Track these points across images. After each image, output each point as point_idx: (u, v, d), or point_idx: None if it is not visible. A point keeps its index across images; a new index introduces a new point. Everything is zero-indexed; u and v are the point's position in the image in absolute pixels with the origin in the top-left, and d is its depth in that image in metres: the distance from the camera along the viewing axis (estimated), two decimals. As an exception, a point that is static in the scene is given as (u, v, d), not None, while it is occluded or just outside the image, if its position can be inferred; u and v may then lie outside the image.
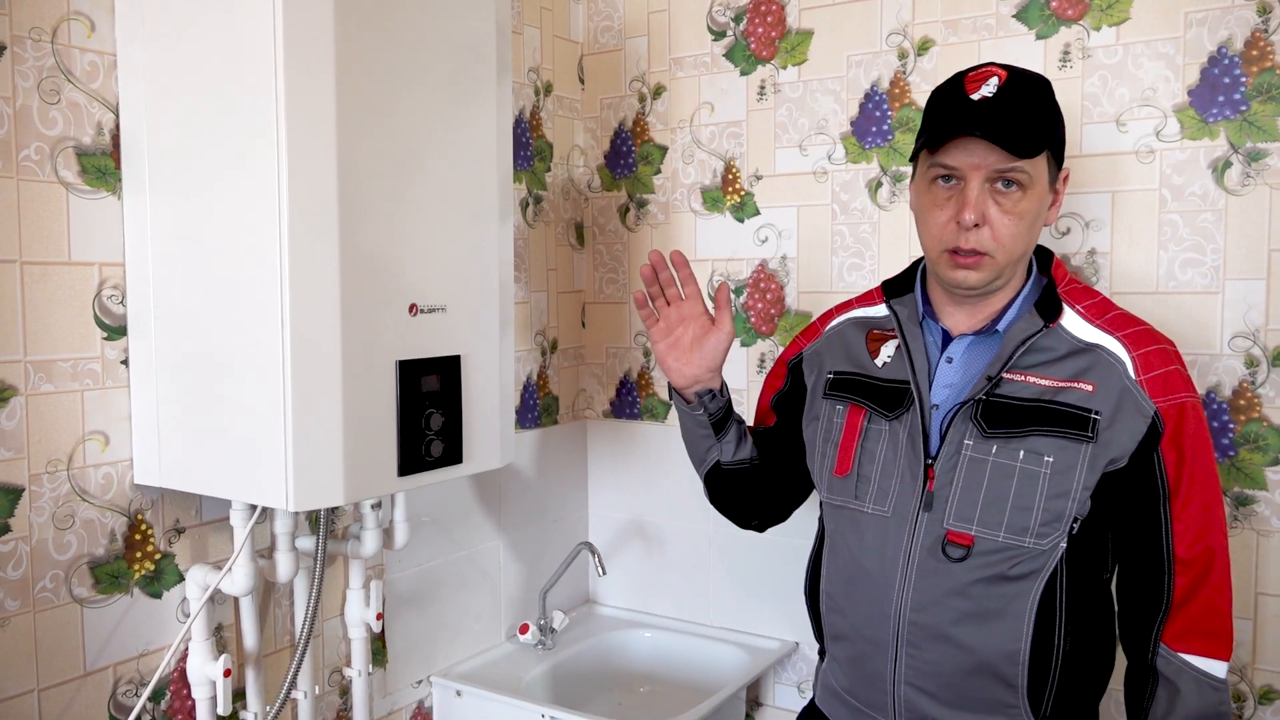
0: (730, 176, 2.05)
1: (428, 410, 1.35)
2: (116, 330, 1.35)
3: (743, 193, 2.04)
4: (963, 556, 1.17)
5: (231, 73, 1.22)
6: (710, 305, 1.72)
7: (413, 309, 1.33)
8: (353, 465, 1.26)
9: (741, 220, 2.04)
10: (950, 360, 1.25)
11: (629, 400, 2.22)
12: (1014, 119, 1.14)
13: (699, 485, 1.51)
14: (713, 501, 1.49)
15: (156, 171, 1.32)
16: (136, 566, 1.39)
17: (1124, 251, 1.67)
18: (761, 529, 1.52)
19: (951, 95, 1.19)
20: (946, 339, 1.26)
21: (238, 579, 1.38)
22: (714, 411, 1.39)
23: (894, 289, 1.34)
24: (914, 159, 1.26)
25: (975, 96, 1.16)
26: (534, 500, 2.12)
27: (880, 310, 1.35)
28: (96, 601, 1.35)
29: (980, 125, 1.13)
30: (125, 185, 1.35)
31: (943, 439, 1.20)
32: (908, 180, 1.86)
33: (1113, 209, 1.68)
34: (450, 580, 1.92)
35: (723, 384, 1.41)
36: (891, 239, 1.89)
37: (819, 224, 1.96)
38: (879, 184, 1.89)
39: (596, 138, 2.22)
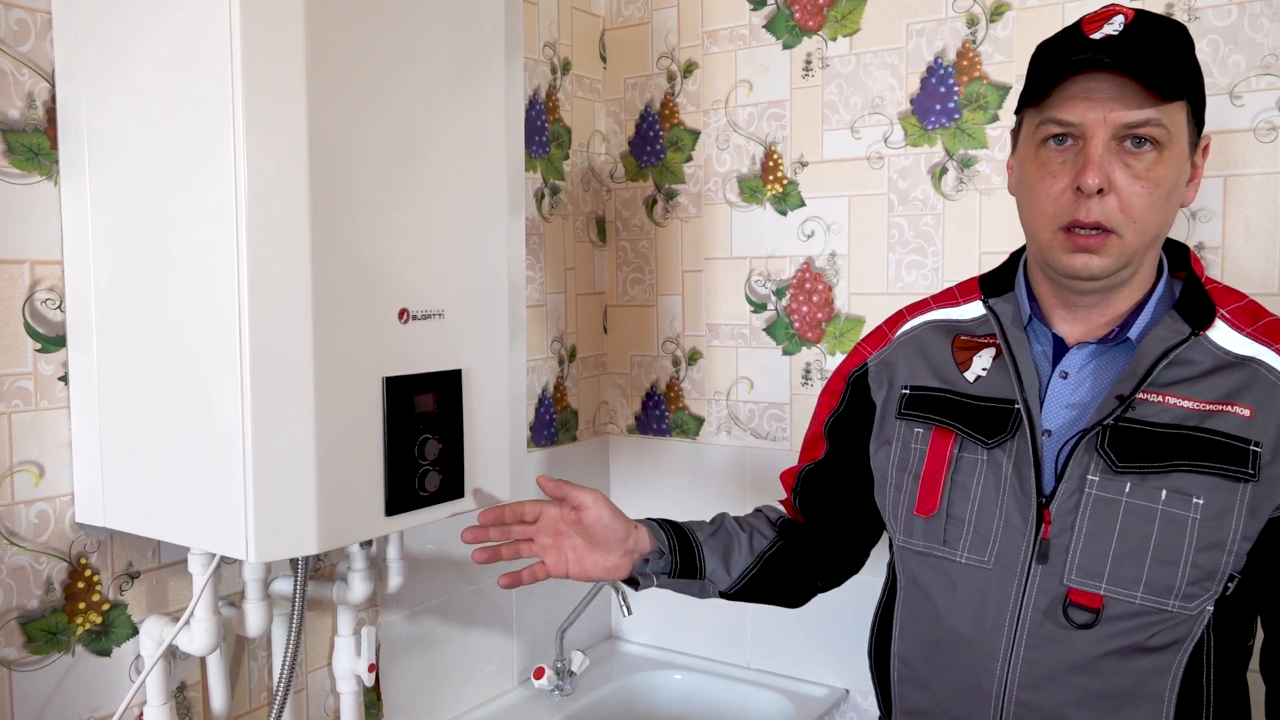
0: (771, 164, 1.82)
1: (422, 436, 1.13)
2: (53, 341, 1.14)
3: (785, 182, 1.81)
4: (1089, 622, 0.94)
5: (186, 37, 1.00)
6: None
7: (403, 315, 1.10)
8: (329, 505, 1.04)
9: (784, 213, 1.81)
10: (1065, 375, 1.01)
11: (656, 414, 1.99)
12: (1148, 53, 0.90)
13: (736, 510, 1.28)
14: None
15: (99, 152, 1.10)
16: (79, 620, 1.17)
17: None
18: (831, 587, 1.28)
19: (1065, 39, 0.95)
20: (1059, 349, 1.03)
21: (198, 636, 1.16)
22: (664, 568, 1.17)
23: (991, 286, 1.10)
24: (1015, 132, 1.03)
25: (1097, 36, 0.92)
26: (550, 527, 1.89)
27: (970, 311, 1.11)
28: (28, 663, 1.13)
29: (1107, 56, 0.90)
30: (63, 168, 1.13)
31: (1060, 474, 0.97)
32: (975, 166, 1.62)
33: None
34: (456, 620, 1.70)
35: (656, 529, 1.18)
36: (958, 233, 1.65)
37: (873, 216, 1.72)
38: (943, 170, 1.66)
39: (620, 122, 2.00)
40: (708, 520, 1.24)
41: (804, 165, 1.79)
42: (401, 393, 1.10)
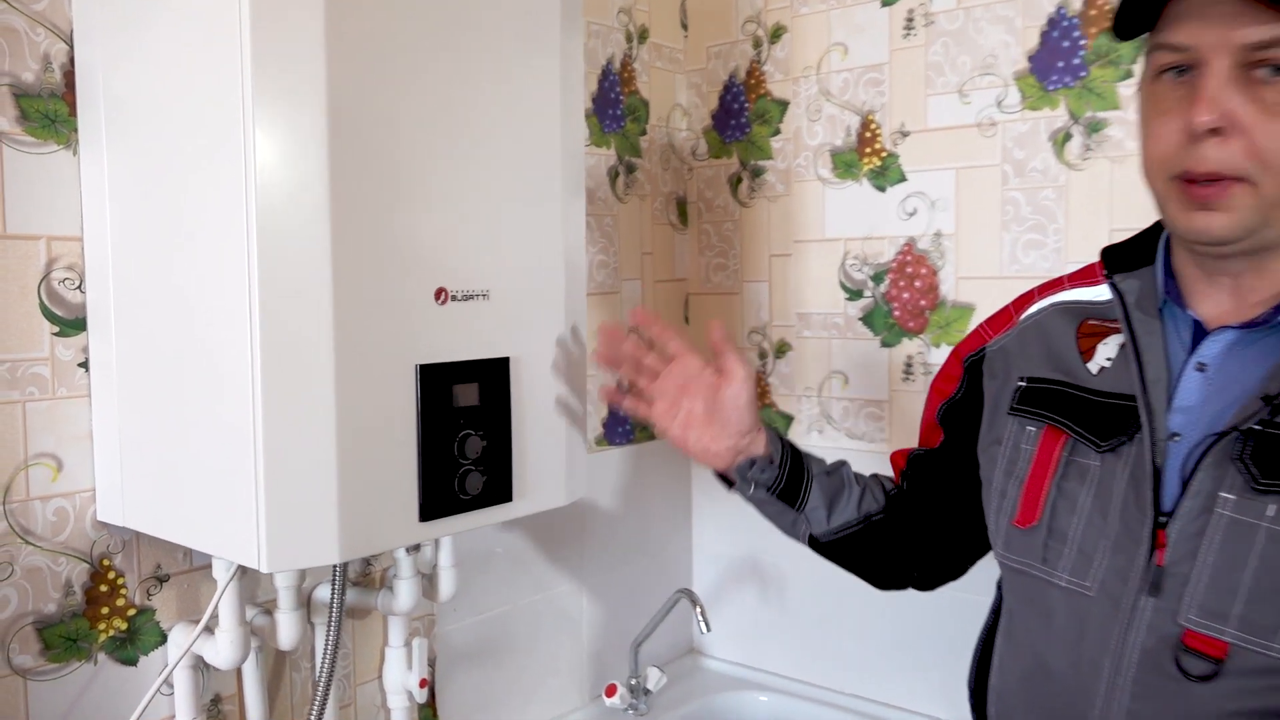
0: (868, 135, 1.64)
1: (462, 432, 1.00)
2: (72, 324, 1.05)
3: (884, 154, 1.63)
4: (1209, 674, 0.74)
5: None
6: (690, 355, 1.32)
7: (440, 295, 0.98)
8: (354, 509, 0.92)
9: (883, 189, 1.63)
10: (1202, 367, 0.81)
11: (741, 411, 1.83)
12: None
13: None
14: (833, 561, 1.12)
15: (116, 120, 1.01)
16: (102, 626, 1.09)
17: None
18: (925, 587, 1.12)
19: None
20: (1199, 334, 0.83)
21: (223, 648, 1.06)
22: (767, 481, 1.05)
23: (1121, 259, 0.91)
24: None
25: None
26: (626, 532, 1.75)
27: (1103, 291, 0.93)
28: (46, 672, 1.04)
29: None
30: (83, 137, 1.04)
31: (1185, 487, 0.78)
32: (1104, 130, 1.42)
33: None
34: (521, 630, 1.57)
35: (775, 439, 1.07)
36: (1084, 206, 1.44)
37: (985, 190, 1.53)
38: (1067, 136, 1.45)
39: (702, 94, 1.84)
40: (825, 460, 1.12)
41: (905, 135, 1.60)
42: (438, 382, 0.98)
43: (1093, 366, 0.89)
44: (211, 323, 0.91)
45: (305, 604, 1.21)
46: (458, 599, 1.44)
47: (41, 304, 1.03)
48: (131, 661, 1.11)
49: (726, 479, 1.09)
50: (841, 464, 1.11)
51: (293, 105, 0.87)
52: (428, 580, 1.28)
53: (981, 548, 1.07)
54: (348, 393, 0.91)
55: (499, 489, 1.04)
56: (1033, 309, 0.97)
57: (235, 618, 1.06)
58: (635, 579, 1.78)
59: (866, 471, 1.12)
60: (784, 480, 1.05)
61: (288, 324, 0.88)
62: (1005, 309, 1.02)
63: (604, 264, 1.69)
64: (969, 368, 1.02)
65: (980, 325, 1.03)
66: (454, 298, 0.99)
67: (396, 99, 0.93)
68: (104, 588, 1.08)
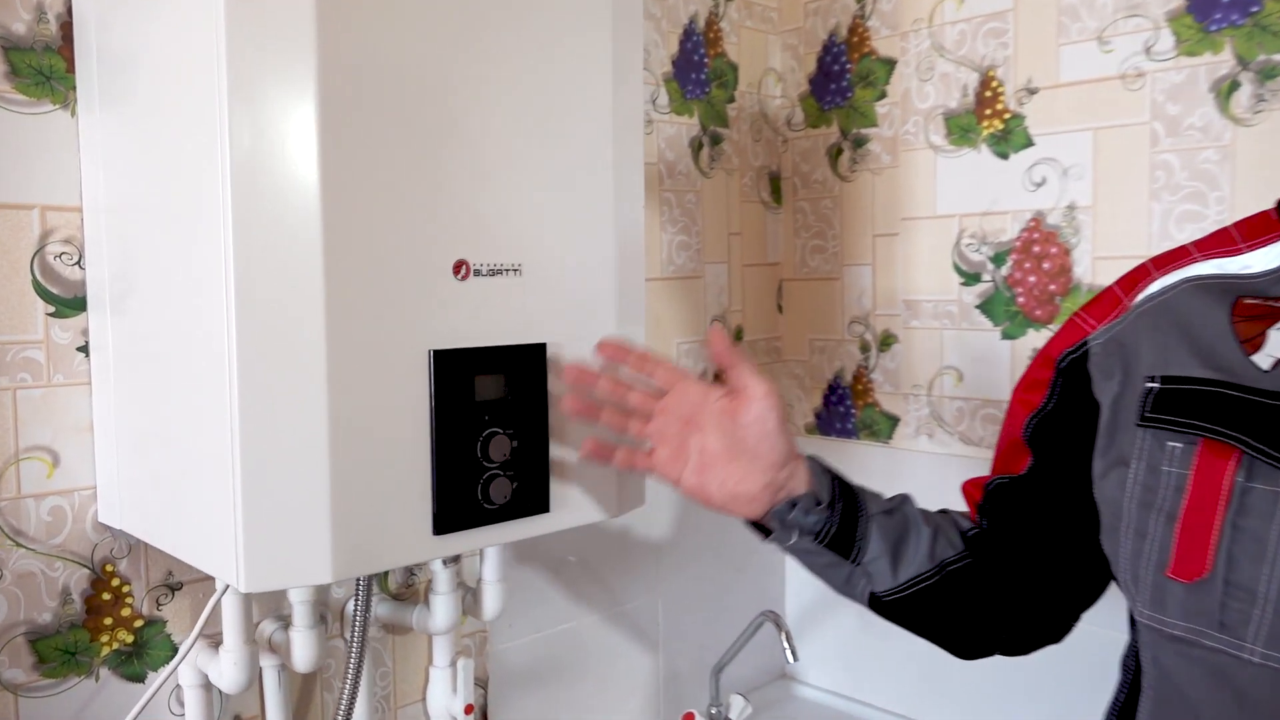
0: (989, 94, 1.42)
1: (487, 430, 0.85)
2: (69, 303, 0.95)
3: (1008, 116, 1.41)
4: None
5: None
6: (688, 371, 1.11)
7: (460, 269, 0.83)
8: (350, 521, 0.78)
9: (1005, 156, 1.41)
10: None
11: (841, 411, 1.64)
12: None
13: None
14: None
15: (109, 75, 0.90)
16: (105, 638, 0.98)
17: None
18: (1016, 651, 0.89)
19: None
20: None
21: (226, 669, 0.94)
22: (814, 527, 0.83)
23: None
24: None
25: None
26: (708, 541, 1.58)
27: (1259, 260, 0.70)
28: (40, 688, 0.95)
29: None
30: (81, 95, 0.94)
31: None
32: (1287, 74, 1.17)
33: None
34: (587, 650, 1.42)
35: (820, 472, 0.85)
36: (1254, 170, 1.20)
37: (1130, 153, 1.30)
38: (1233, 85, 1.21)
39: (798, 56, 1.65)
40: (883, 495, 0.89)
41: (1033, 93, 1.38)
42: (457, 371, 0.83)
43: (1261, 360, 0.67)
44: (189, 301, 0.79)
45: (337, 617, 1.08)
46: (514, 613, 1.30)
47: (35, 281, 0.93)
48: (138, 678, 1.01)
49: (762, 528, 0.87)
50: (904, 500, 0.88)
51: (276, 37, 0.74)
52: (472, 595, 1.14)
53: (1089, 599, 0.86)
54: (343, 383, 0.77)
55: (532, 498, 0.89)
56: (1153, 288, 0.75)
57: (240, 635, 0.93)
58: (718, 594, 1.60)
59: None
60: (835, 525, 0.83)
61: (268, 298, 0.74)
62: (1108, 291, 0.79)
63: (684, 245, 1.52)
64: (1065, 369, 0.79)
65: (1076, 315, 0.80)
66: (477, 272, 0.84)
67: (405, 40, 0.79)
68: (107, 596, 0.98)
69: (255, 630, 1.06)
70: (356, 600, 1.01)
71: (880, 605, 0.87)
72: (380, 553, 0.80)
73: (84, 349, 0.95)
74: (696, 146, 1.53)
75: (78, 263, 0.95)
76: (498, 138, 0.85)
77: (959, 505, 0.91)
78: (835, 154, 1.61)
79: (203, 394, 0.78)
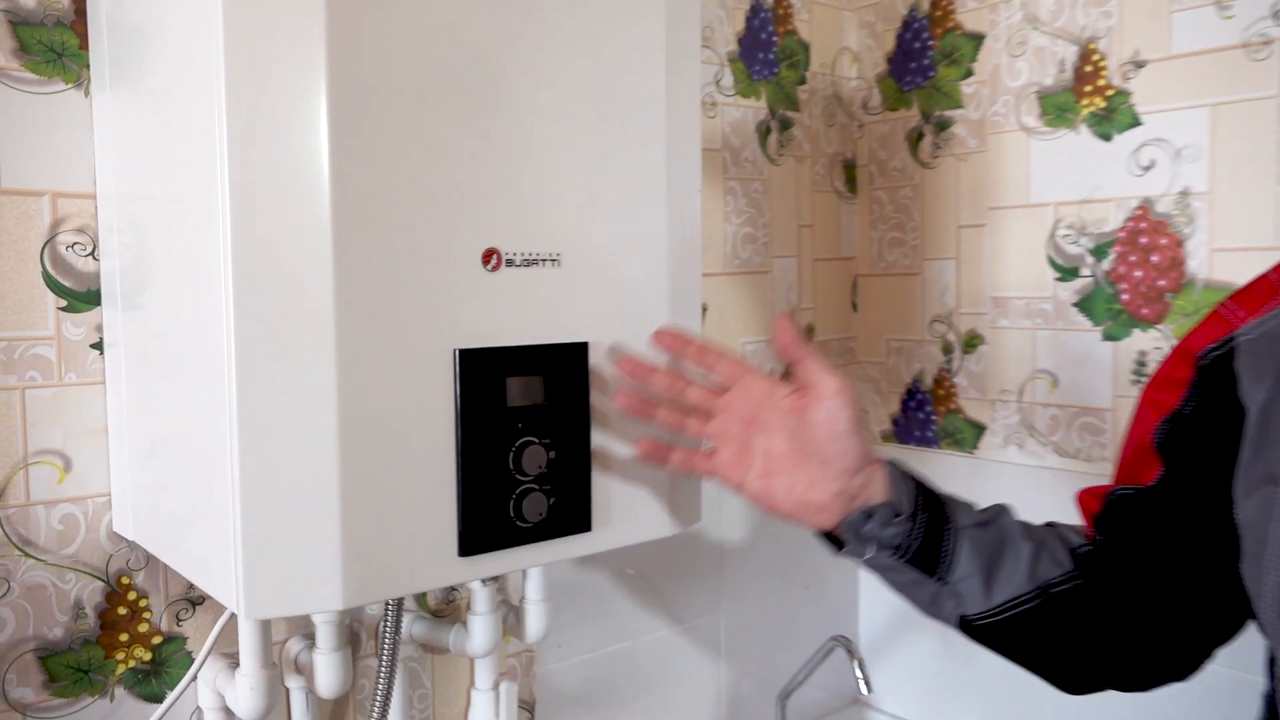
0: (1089, 69, 1.29)
1: (521, 440, 0.76)
2: (82, 297, 0.88)
3: (1111, 92, 1.27)
4: None
5: None
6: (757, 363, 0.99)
7: (491, 259, 0.74)
8: (363, 541, 0.69)
9: (1108, 137, 1.27)
10: None
11: (920, 418, 1.51)
12: None
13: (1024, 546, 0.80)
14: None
15: (122, 49, 0.83)
16: (120, 656, 0.92)
17: None
18: (1132, 688, 0.77)
19: None
20: None
21: (243, 694, 0.87)
22: (894, 540, 0.74)
23: None
24: None
25: None
26: (775, 556, 1.47)
27: None
28: (50, 708, 0.88)
29: None
30: (95, 73, 0.87)
31: None
32: None
33: None
34: (643, 672, 1.32)
35: (901, 479, 0.75)
36: (1406, 147, 1.05)
37: (1254, 132, 1.15)
38: (1381, 51, 1.06)
39: (875, 34, 1.53)
40: (976, 505, 0.79)
41: (1140, 66, 1.24)
42: (486, 374, 0.74)
43: None
44: (192, 296, 0.71)
45: (371, 635, 1.01)
46: (563, 631, 1.21)
47: (45, 273, 0.86)
48: (156, 698, 0.94)
49: (835, 539, 0.77)
50: (1000, 511, 0.78)
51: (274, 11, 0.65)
52: (515, 614, 1.05)
53: (1226, 634, 0.73)
54: (356, 387, 0.68)
55: (572, 515, 0.79)
56: None
57: (257, 659, 0.86)
58: (786, 614, 1.49)
59: (1075, 505, 0.80)
60: (918, 537, 0.74)
61: (270, 292, 0.66)
62: (1263, 279, 0.68)
63: (751, 238, 1.41)
64: (1207, 368, 0.68)
65: (1222, 305, 0.69)
66: (510, 262, 0.75)
67: (428, 5, 0.70)
68: (123, 610, 0.92)
69: (281, 649, 0.99)
70: (385, 620, 0.93)
71: (971, 629, 0.76)
72: (398, 576, 0.72)
73: (98, 346, 0.89)
74: (764, 131, 1.42)
75: (91, 253, 0.88)
76: (535, 115, 0.76)
77: (1053, 522, 0.80)
78: (916, 139, 1.49)
79: (203, 397, 0.70)
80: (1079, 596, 0.74)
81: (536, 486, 0.77)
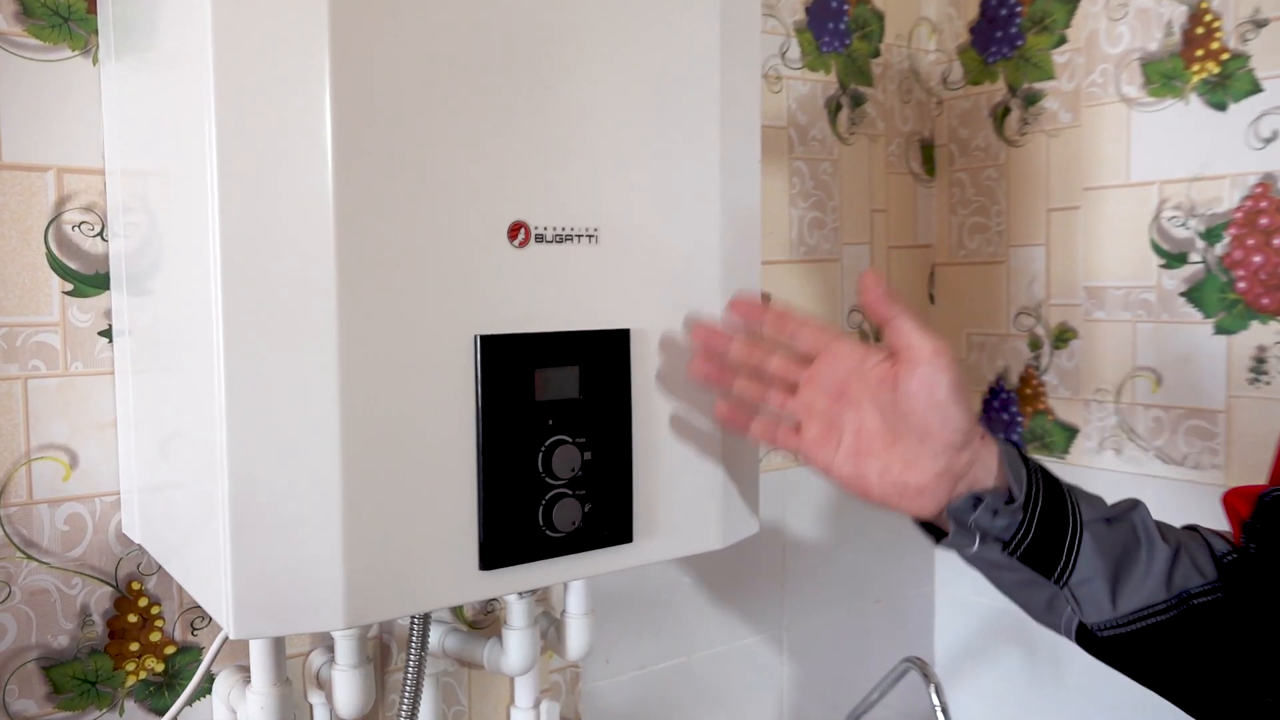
0: (1201, 31, 1.15)
1: (552, 439, 0.67)
2: (90, 280, 0.82)
3: (1226, 57, 1.13)
4: None
5: None
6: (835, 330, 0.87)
7: (518, 233, 0.65)
8: (369, 553, 0.61)
9: (1222, 106, 1.14)
10: None
11: (1005, 420, 1.39)
12: None
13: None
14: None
15: (129, 12, 0.76)
16: (131, 666, 0.86)
17: None
18: None
19: None
20: None
21: (254, 715, 0.79)
22: (1004, 531, 0.64)
23: None
24: None
25: None
26: (845, 565, 1.36)
27: None
28: (55, 722, 0.83)
29: None
30: (104, 40, 0.81)
31: None
32: None
33: None
34: (697, 691, 1.23)
35: (1015, 460, 0.65)
36: None
37: (1398, 95, 1.01)
38: None
39: (957, 2, 1.41)
40: (1103, 498, 0.69)
41: (1260, 26, 1.10)
42: (511, 364, 0.65)
43: None
44: (189, 276, 0.64)
45: (403, 646, 0.93)
46: (611, 646, 1.12)
47: (49, 254, 0.80)
48: (167, 712, 0.88)
49: (936, 529, 0.69)
50: (1132, 506, 0.68)
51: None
52: (556, 628, 0.97)
53: None
54: (362, 377, 0.60)
55: (610, 524, 0.70)
56: None
57: (269, 675, 0.78)
58: (856, 629, 1.38)
59: (1180, 518, 0.69)
60: (1031, 529, 0.64)
61: (263, 271, 0.58)
62: None
63: (819, 223, 1.30)
64: None
65: None
66: (540, 237, 0.66)
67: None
68: (133, 618, 0.85)
69: (304, 661, 0.92)
70: (412, 633, 0.85)
71: (1092, 642, 0.67)
72: (410, 592, 0.63)
73: (107, 333, 0.83)
74: (834, 108, 1.31)
75: (100, 233, 0.82)
76: (572, 72, 0.67)
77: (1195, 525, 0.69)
78: (1001, 114, 1.36)
79: (196, 389, 0.63)
80: (1223, 610, 0.64)
81: (569, 491, 0.68)
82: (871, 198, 1.37)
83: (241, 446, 0.58)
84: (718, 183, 0.75)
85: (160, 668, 0.87)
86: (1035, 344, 1.34)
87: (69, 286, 0.81)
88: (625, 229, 0.70)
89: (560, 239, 0.67)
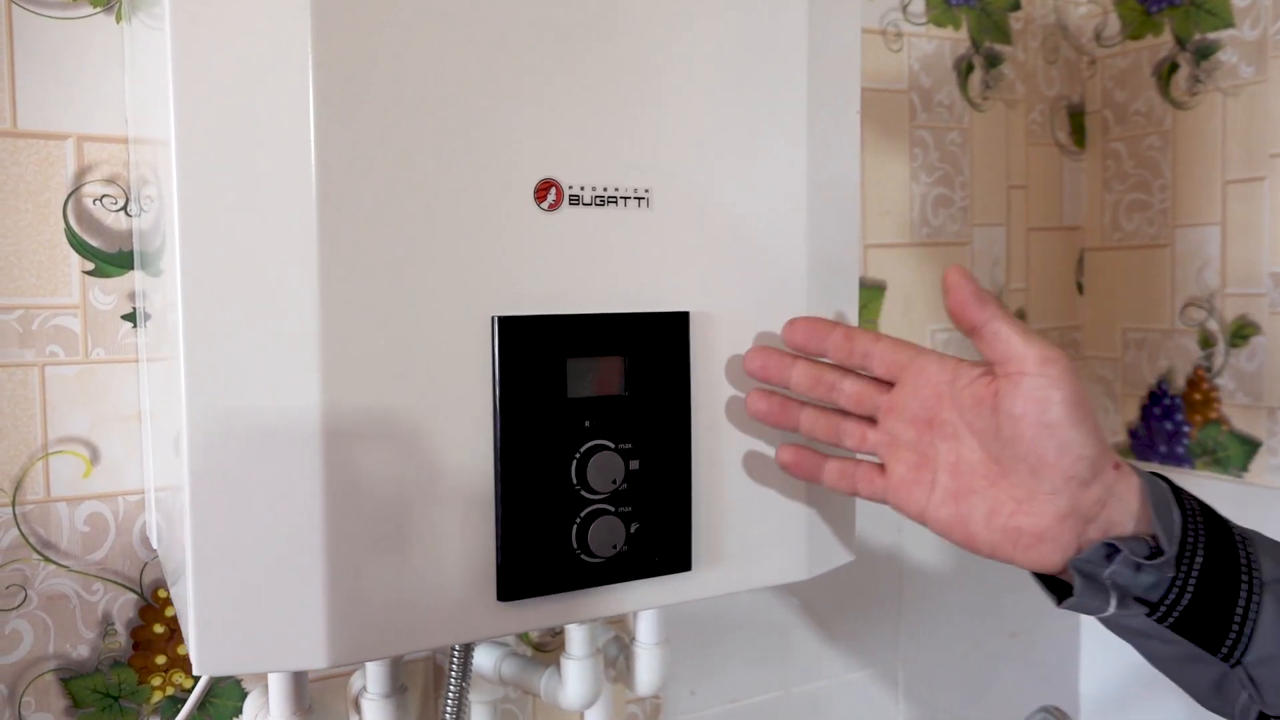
0: None
1: (589, 443, 0.55)
2: (111, 259, 0.75)
3: None
4: None
5: None
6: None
7: (547, 193, 0.54)
8: (357, 580, 0.51)
9: None
10: None
11: (1168, 429, 1.19)
12: None
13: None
14: None
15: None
16: (156, 681, 0.78)
17: None
18: None
19: None
20: None
21: (270, 746, 0.71)
22: (1151, 590, 0.49)
23: None
24: None
25: None
26: (972, 591, 1.19)
27: None
28: (75, 739, 0.76)
29: None
30: (128, -5, 0.74)
31: None
32: None
33: None
34: (797, 727, 1.09)
35: (1163, 496, 0.50)
36: None
37: None
38: None
39: (1115, -56, 1.22)
40: None
41: None
42: (538, 350, 0.54)
43: None
44: (169, 254, 0.55)
45: (393, 691, 0.83)
46: (698, 674, 1.00)
47: (69, 230, 0.74)
48: (199, 733, 0.80)
49: (1061, 585, 0.54)
50: None
51: None
52: (625, 657, 0.85)
53: None
54: (349, 367, 0.50)
55: (663, 547, 0.58)
56: None
57: (288, 702, 0.69)
58: (983, 667, 1.21)
59: None
60: (1188, 590, 0.49)
61: (231, 235, 0.49)
62: None
63: (945, 200, 1.14)
64: None
65: None
66: (575, 199, 0.54)
67: None
68: (159, 629, 0.78)
69: (348, 683, 0.83)
70: (452, 664, 0.75)
71: None
72: (411, 627, 0.52)
73: (130, 317, 0.76)
74: (965, 69, 1.15)
75: (123, 208, 0.75)
76: (621, 7, 0.55)
77: None
78: (1167, 72, 1.17)
79: (168, 377, 0.54)
80: None
81: (610, 508, 0.56)
82: (1009, 172, 1.20)
83: (202, 448, 0.49)
84: (803, 145, 0.61)
85: (189, 684, 0.79)
86: (1207, 341, 1.14)
87: (90, 266, 0.74)
88: (683, 190, 0.58)
89: (601, 201, 0.55)
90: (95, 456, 0.75)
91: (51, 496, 0.74)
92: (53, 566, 0.74)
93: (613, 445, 0.56)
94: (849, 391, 0.57)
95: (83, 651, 0.76)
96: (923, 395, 0.54)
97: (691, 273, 0.58)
